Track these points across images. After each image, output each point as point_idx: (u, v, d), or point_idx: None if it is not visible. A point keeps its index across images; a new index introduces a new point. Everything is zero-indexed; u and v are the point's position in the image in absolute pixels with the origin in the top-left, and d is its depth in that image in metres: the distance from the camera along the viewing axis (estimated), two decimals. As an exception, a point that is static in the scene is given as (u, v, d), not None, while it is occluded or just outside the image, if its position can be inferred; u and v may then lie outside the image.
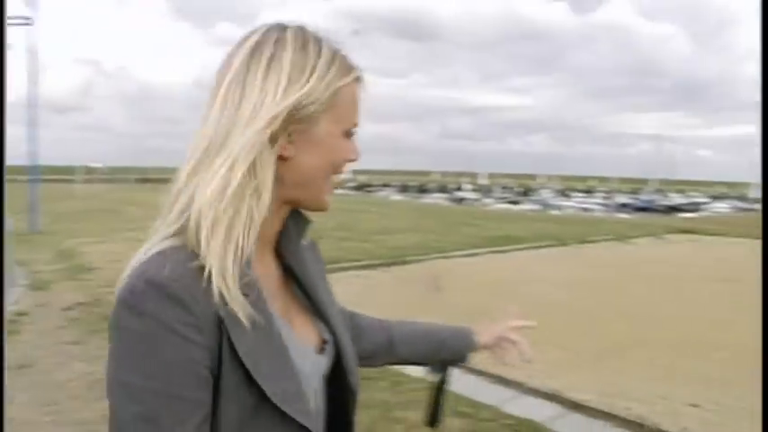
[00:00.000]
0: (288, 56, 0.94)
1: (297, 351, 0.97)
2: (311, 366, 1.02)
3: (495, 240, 15.98)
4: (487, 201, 75.18)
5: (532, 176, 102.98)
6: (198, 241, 0.88)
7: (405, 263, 11.78)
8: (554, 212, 51.39)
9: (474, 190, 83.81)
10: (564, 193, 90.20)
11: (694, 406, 5.21)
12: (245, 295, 0.88)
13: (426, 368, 1.48)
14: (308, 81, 0.93)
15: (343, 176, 1.06)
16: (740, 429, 4.79)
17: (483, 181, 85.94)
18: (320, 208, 1.04)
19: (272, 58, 0.93)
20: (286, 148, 0.95)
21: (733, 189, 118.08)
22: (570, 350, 6.66)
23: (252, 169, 0.90)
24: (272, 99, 0.91)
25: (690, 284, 11.27)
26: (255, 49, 0.94)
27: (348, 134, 1.01)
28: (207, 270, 0.86)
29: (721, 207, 73.35)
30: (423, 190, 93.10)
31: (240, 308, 0.87)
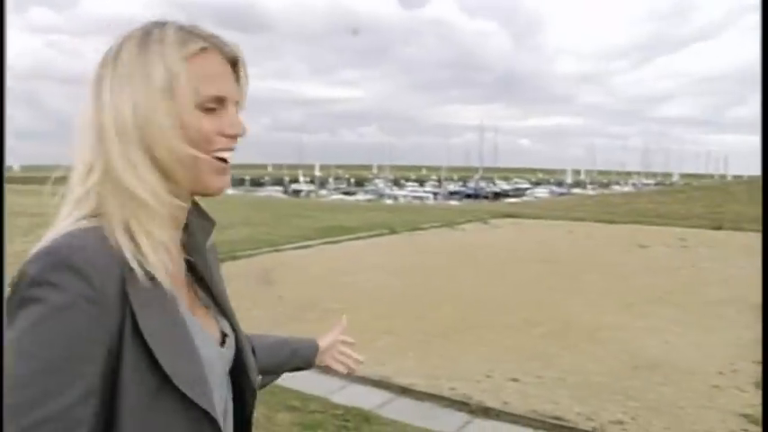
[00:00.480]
0: (134, 50, 0.97)
1: (201, 339, 0.98)
2: (216, 356, 1.03)
3: (328, 231, 15.99)
4: (323, 192, 75.58)
5: (367, 167, 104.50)
6: (109, 225, 0.91)
7: (235, 258, 11.44)
8: (388, 202, 52.58)
9: (309, 182, 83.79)
10: (397, 183, 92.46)
11: (515, 381, 5.42)
12: (152, 279, 0.90)
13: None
14: (150, 71, 0.95)
15: (227, 155, 1.02)
16: (556, 398, 5.03)
17: (317, 173, 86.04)
18: (206, 191, 1.02)
19: (117, 57, 0.97)
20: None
21: (551, 175, 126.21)
22: (399, 336, 6.73)
23: (141, 158, 0.94)
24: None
25: (512, 266, 11.84)
26: (116, 47, 0.99)
27: (203, 107, 0.98)
28: (114, 248, 0.88)
29: (542, 192, 78.35)
30: (257, 183, 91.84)
31: (147, 288, 0.90)
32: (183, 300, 1.00)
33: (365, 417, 4.61)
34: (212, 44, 1.01)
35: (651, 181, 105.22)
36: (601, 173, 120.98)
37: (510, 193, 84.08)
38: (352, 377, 5.32)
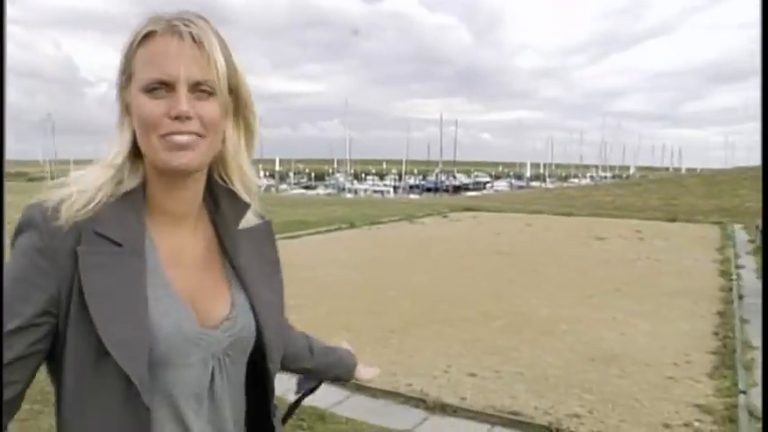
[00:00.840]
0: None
1: (164, 311, 1.02)
2: (189, 334, 1.04)
3: (288, 226, 15.80)
4: (283, 187, 75.10)
5: (328, 161, 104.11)
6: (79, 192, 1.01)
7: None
8: (348, 196, 52.45)
9: (269, 176, 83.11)
10: (358, 177, 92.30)
11: (472, 375, 5.38)
12: (118, 244, 1.00)
13: (300, 378, 1.58)
14: (119, 60, 1.05)
15: (176, 138, 1.02)
16: (514, 392, 5.00)
17: (277, 167, 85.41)
18: (162, 168, 1.04)
19: None
20: (130, 119, 1.05)
21: (510, 169, 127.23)
22: (356, 331, 6.65)
23: (113, 143, 1.07)
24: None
25: (471, 259, 11.84)
26: None
27: (148, 90, 1.01)
28: (71, 211, 0.98)
29: (501, 185, 79.01)
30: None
31: (102, 250, 0.99)
32: (178, 272, 1.08)
33: (320, 415, 4.51)
34: (166, 27, 1.01)
35: (608, 174, 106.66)
36: (559, 166, 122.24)
37: (470, 187, 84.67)
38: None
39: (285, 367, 1.41)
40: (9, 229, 1.07)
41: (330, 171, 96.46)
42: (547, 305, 8.00)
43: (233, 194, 1.16)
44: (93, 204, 1.00)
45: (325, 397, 4.86)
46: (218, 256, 1.16)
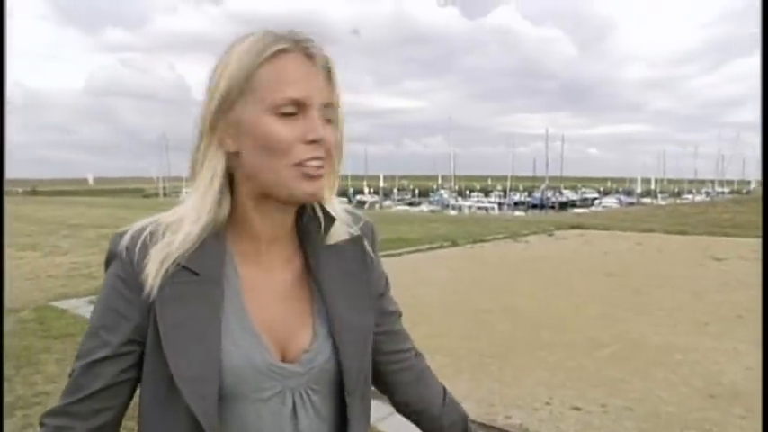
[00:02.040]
0: (221, 58, 0.99)
1: (237, 342, 0.98)
2: (260, 366, 0.99)
3: (388, 244, 15.69)
4: (387, 203, 75.67)
5: (432, 177, 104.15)
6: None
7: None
8: (452, 213, 52.20)
9: (373, 192, 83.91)
10: (462, 193, 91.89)
11: (576, 409, 5.00)
12: (195, 273, 0.97)
13: None
14: (222, 74, 0.96)
15: (313, 163, 0.96)
16: (621, 430, 4.60)
17: (381, 183, 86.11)
18: (286, 198, 0.99)
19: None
20: (229, 143, 0.98)
21: (619, 184, 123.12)
22: (454, 355, 6.37)
23: (205, 167, 0.99)
24: (205, 103, 0.99)
25: (576, 279, 11.31)
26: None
27: (278, 112, 0.94)
28: (156, 244, 0.97)
29: (610, 202, 76.65)
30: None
31: (183, 280, 0.96)
32: (258, 302, 1.03)
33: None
34: (296, 46, 0.97)
35: (726, 189, 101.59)
36: (671, 181, 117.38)
37: (577, 203, 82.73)
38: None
39: (406, 412, 1.34)
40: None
41: (434, 187, 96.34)
42: (659, 332, 7.45)
43: (322, 210, 1.11)
44: (190, 243, 0.98)
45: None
46: (303, 276, 1.10)
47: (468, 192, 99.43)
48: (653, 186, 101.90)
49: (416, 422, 1.34)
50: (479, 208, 65.18)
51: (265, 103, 0.94)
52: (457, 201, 74.43)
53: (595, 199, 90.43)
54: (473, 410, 4.87)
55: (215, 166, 0.99)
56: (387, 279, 1.28)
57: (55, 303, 8.36)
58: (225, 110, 0.96)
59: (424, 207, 66.70)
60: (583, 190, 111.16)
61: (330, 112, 0.98)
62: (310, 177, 0.96)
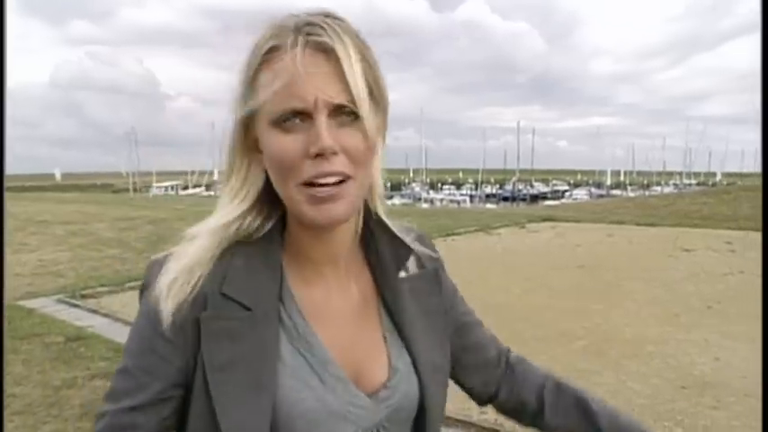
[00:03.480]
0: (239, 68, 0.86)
1: (306, 381, 0.86)
2: (336, 407, 0.87)
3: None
4: (359, 197, 75.49)
5: (404, 171, 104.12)
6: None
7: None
8: (424, 206, 52.28)
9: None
10: (434, 186, 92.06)
11: (550, 403, 5.01)
12: (247, 308, 0.85)
13: None
14: (239, 82, 0.85)
15: (321, 180, 0.81)
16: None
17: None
18: (306, 223, 0.87)
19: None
20: (260, 158, 0.87)
21: (590, 177, 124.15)
22: (428, 351, 6.36)
23: (242, 182, 0.89)
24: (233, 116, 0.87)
25: (548, 273, 11.37)
26: None
27: (278, 123, 0.80)
28: (196, 276, 0.85)
29: (580, 194, 77.30)
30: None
31: (230, 316, 0.84)
32: (333, 334, 0.92)
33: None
34: (292, 38, 0.80)
35: (693, 181, 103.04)
36: (640, 173, 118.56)
37: (548, 196, 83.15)
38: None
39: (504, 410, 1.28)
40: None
41: (406, 181, 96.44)
42: (631, 324, 7.51)
43: (391, 236, 1.01)
44: (193, 284, 0.86)
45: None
46: (375, 306, 0.99)
47: (440, 185, 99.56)
48: (622, 178, 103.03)
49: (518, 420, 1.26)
50: (451, 201, 65.30)
51: (267, 115, 0.81)
52: (429, 194, 74.47)
53: (566, 191, 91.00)
54: (451, 409, 4.85)
55: (246, 183, 0.89)
56: (455, 288, 1.24)
57: (21, 302, 8.21)
58: (245, 122, 0.85)
59: (396, 200, 66.59)
60: (554, 182, 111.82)
61: (350, 110, 0.81)
62: (319, 201, 0.82)
